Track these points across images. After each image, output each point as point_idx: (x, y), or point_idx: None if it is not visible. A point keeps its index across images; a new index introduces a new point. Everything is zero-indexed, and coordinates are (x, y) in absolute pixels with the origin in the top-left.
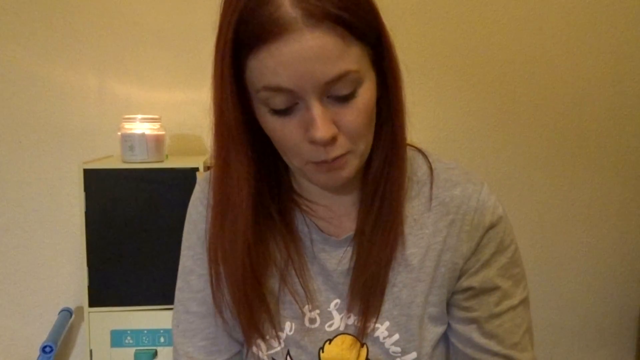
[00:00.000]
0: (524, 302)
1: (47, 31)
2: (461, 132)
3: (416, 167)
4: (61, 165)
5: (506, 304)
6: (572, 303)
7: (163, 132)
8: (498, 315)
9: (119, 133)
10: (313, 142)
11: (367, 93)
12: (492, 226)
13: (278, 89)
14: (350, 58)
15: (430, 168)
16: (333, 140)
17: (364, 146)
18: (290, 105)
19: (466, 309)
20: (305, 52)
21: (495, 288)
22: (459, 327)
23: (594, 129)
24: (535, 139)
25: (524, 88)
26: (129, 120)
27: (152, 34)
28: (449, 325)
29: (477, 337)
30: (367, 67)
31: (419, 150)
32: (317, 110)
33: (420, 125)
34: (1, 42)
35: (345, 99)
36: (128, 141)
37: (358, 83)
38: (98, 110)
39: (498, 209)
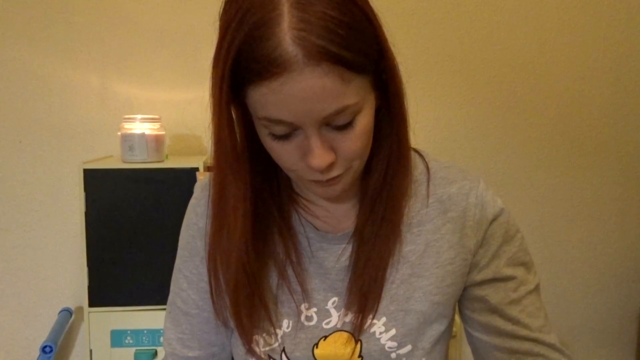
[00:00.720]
0: (538, 287)
1: (48, 31)
2: (461, 132)
3: (412, 166)
4: (61, 165)
5: (523, 289)
6: (572, 303)
7: (163, 132)
8: (518, 300)
9: (119, 133)
10: (310, 168)
11: (365, 118)
12: (495, 218)
13: (278, 121)
14: (350, 93)
15: (427, 167)
16: (330, 166)
17: (358, 164)
18: (290, 131)
19: (484, 299)
20: (305, 92)
21: (509, 277)
22: (482, 319)
23: (594, 128)
24: (535, 139)
25: (524, 88)
26: (129, 120)
27: (153, 34)
28: (471, 320)
29: (502, 324)
30: (367, 92)
31: (415, 150)
32: (315, 141)
33: (420, 125)
34: (2, 42)
35: (344, 127)
36: (128, 141)
37: (357, 112)
38: (98, 110)
39: (497, 201)
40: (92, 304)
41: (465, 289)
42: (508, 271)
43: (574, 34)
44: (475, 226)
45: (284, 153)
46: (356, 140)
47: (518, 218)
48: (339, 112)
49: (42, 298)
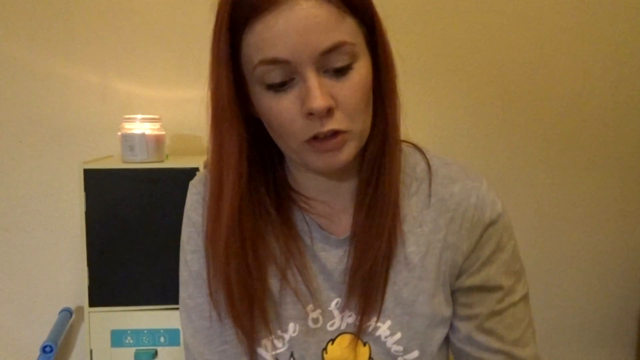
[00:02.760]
0: (525, 297)
1: (48, 30)
2: (461, 132)
3: (414, 163)
4: (61, 165)
5: (507, 300)
6: (572, 303)
7: (163, 132)
8: (499, 312)
9: (119, 133)
10: (310, 113)
11: (363, 70)
12: (491, 223)
13: (275, 61)
14: (345, 29)
15: (428, 164)
16: (329, 112)
17: (361, 126)
18: (287, 79)
19: (468, 305)
20: (300, 22)
21: (497, 287)
22: (460, 325)
23: (594, 128)
24: (535, 139)
25: (524, 88)
26: (129, 120)
27: (153, 34)
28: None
29: (476, 334)
30: (362, 45)
31: (415, 147)
32: (313, 80)
33: (420, 125)
34: (1, 42)
35: (342, 72)
36: (128, 141)
37: (354, 57)
38: (98, 110)
39: (497, 205)
40: (92, 304)
41: (453, 292)
42: (497, 280)
43: (574, 34)
44: (471, 228)
45: (280, 107)
46: (356, 89)
47: (518, 218)
48: (335, 47)
49: (42, 298)
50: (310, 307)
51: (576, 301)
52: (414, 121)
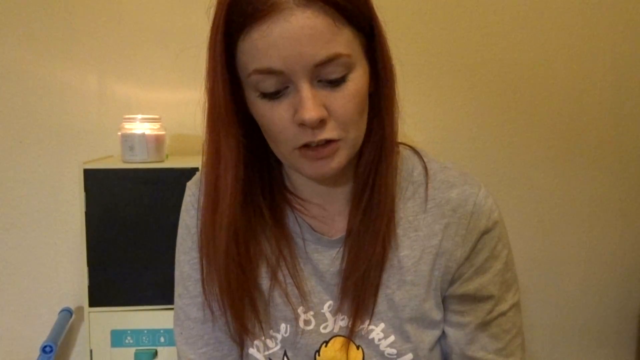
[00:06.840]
0: (515, 306)
1: (47, 31)
2: (461, 132)
3: (411, 167)
4: (61, 165)
5: (497, 310)
6: (572, 303)
7: (163, 132)
8: (488, 322)
9: (119, 133)
10: (302, 123)
11: (358, 79)
12: (487, 231)
13: (269, 71)
14: (342, 41)
15: (425, 168)
16: (322, 123)
17: (354, 135)
18: (280, 88)
19: (459, 313)
20: (295, 32)
21: (489, 296)
22: (449, 331)
23: (594, 129)
24: (535, 139)
25: (524, 88)
26: (129, 120)
27: (153, 34)
28: None
29: (463, 343)
30: (359, 54)
31: (413, 150)
32: (306, 91)
33: (420, 125)
34: (1, 43)
35: (336, 83)
36: (128, 141)
37: (349, 68)
38: (98, 110)
39: (494, 213)
40: (92, 304)
41: (445, 298)
42: (490, 290)
43: (574, 34)
44: (467, 235)
45: (274, 115)
46: (349, 100)
47: (518, 218)
48: (330, 60)
49: (42, 298)
50: (301, 308)
51: (576, 301)
52: (414, 122)
